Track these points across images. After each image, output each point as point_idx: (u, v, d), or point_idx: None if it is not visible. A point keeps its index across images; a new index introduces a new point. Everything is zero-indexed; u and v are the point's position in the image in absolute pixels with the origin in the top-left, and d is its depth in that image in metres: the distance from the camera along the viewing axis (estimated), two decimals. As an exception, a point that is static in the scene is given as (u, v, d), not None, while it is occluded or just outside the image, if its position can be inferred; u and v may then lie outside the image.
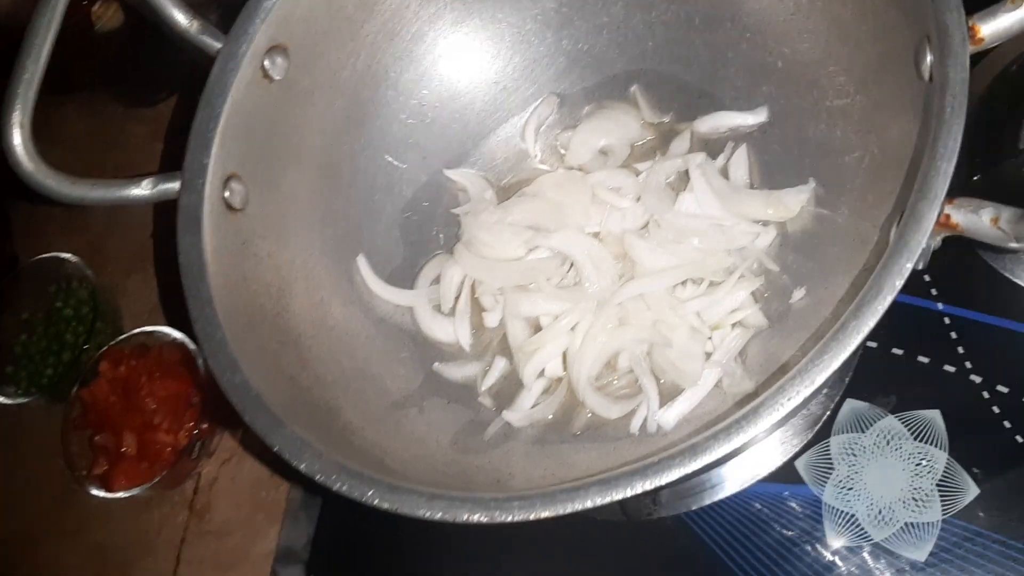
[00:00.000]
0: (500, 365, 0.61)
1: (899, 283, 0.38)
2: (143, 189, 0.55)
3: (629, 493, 0.40)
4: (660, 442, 0.53)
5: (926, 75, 0.43)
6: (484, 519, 0.42)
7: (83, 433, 0.80)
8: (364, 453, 0.52)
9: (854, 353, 0.55)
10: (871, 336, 0.59)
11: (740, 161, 0.60)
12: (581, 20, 0.67)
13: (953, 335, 0.61)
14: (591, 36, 0.67)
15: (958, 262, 0.61)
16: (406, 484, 0.44)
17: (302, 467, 0.46)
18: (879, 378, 0.61)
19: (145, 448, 0.78)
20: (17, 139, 0.50)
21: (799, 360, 0.40)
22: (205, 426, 0.79)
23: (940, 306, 0.61)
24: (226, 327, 0.51)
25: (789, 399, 0.39)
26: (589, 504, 0.41)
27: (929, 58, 0.43)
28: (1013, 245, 0.37)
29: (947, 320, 0.61)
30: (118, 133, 1.02)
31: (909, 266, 0.39)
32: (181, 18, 0.57)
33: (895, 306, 0.60)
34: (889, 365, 0.61)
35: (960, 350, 0.60)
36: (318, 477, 0.45)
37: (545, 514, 0.41)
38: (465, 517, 0.42)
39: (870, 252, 0.48)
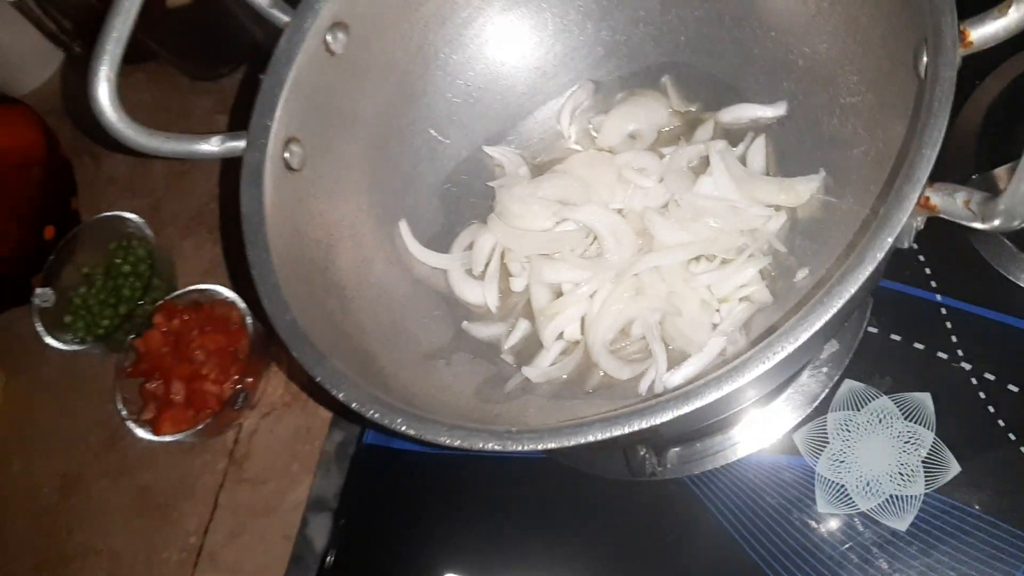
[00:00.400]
0: (523, 326, 0.66)
1: (880, 255, 0.43)
2: (211, 145, 0.60)
3: (627, 430, 0.44)
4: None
5: (922, 73, 0.48)
6: (497, 447, 0.46)
7: (135, 380, 0.84)
8: (395, 393, 0.56)
9: (856, 337, 0.61)
10: (872, 322, 0.64)
11: (758, 150, 0.64)
12: (620, 12, 0.71)
13: (948, 324, 0.64)
14: (628, 28, 0.71)
15: (958, 257, 0.65)
16: (431, 415, 0.49)
17: (340, 396, 0.50)
18: (877, 361, 0.65)
19: (192, 396, 0.82)
20: (104, 90, 0.55)
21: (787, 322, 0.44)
22: (249, 380, 0.83)
23: (938, 297, 0.65)
24: (279, 273, 0.55)
25: (775, 353, 0.43)
26: (590, 438, 0.45)
27: (925, 58, 0.47)
28: (978, 225, 0.41)
29: (944, 311, 0.65)
30: (182, 103, 1.06)
31: (890, 240, 0.43)
32: (253, -8, 0.62)
33: (898, 295, 0.65)
34: (887, 349, 0.65)
35: (953, 339, 0.64)
36: (354, 405, 0.50)
37: (551, 445, 0.45)
38: (480, 445, 0.46)
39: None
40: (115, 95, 0.57)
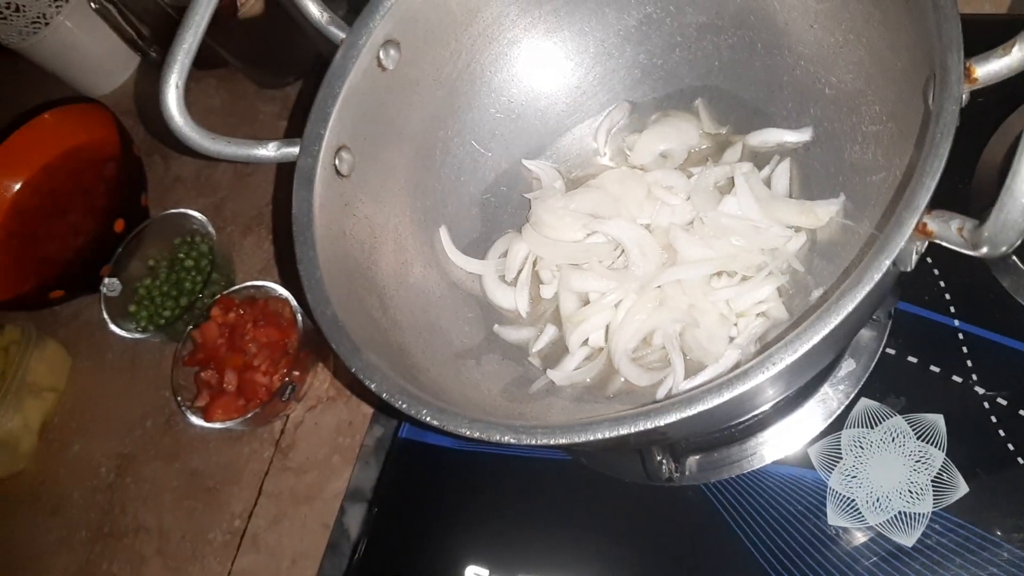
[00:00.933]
0: (550, 332, 0.69)
1: (877, 276, 0.45)
2: (269, 150, 0.65)
3: (632, 430, 0.47)
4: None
5: (930, 103, 0.50)
6: (512, 439, 0.49)
7: (190, 368, 0.89)
8: (426, 388, 0.59)
9: (873, 357, 0.63)
10: (890, 344, 0.66)
11: (783, 173, 0.67)
12: (658, 37, 0.74)
13: (964, 349, 0.66)
14: (665, 52, 0.74)
15: (977, 284, 0.67)
16: (453, 408, 0.53)
17: (372, 386, 0.54)
18: (893, 382, 0.67)
19: (243, 386, 0.86)
20: (173, 97, 0.60)
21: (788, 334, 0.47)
22: (297, 373, 0.86)
23: (956, 322, 0.67)
24: (324, 270, 0.59)
25: (774, 364, 0.46)
26: (599, 436, 0.48)
27: (932, 92, 0.49)
28: (969, 252, 0.43)
29: (960, 336, 0.66)
30: (248, 109, 1.11)
31: (887, 262, 0.45)
32: (314, 10, 0.66)
33: (916, 319, 0.67)
34: (903, 371, 0.67)
35: (969, 363, 0.65)
36: (384, 395, 0.53)
37: (562, 441, 0.48)
38: (497, 437, 0.49)
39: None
40: (183, 101, 0.61)
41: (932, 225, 0.45)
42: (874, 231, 0.57)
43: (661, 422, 0.47)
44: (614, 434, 0.48)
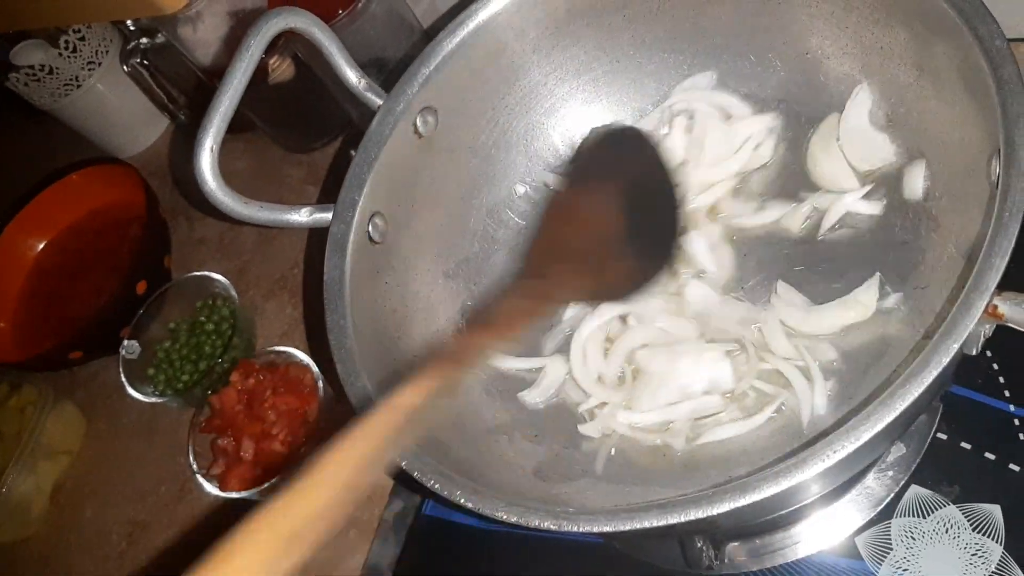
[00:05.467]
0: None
1: (945, 360, 0.43)
2: (301, 216, 0.63)
3: (683, 519, 0.45)
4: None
5: (994, 181, 0.48)
6: (552, 526, 0.47)
7: (208, 435, 0.86)
8: (456, 465, 0.57)
9: (924, 442, 0.60)
10: (941, 428, 0.63)
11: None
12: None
13: (1022, 436, 0.63)
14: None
15: (1034, 368, 0.64)
16: (488, 490, 0.50)
17: (403, 464, 0.52)
18: (945, 469, 0.64)
19: (260, 455, 0.83)
20: (207, 160, 0.59)
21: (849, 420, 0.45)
22: (316, 443, 0.83)
23: (1012, 408, 0.64)
24: (354, 340, 0.58)
25: (835, 452, 0.43)
26: (646, 524, 0.45)
27: (997, 168, 0.48)
28: (1044, 335, 0.41)
29: (1017, 421, 0.63)
30: (276, 173, 1.11)
31: (955, 346, 0.43)
32: (352, 76, 0.66)
33: (969, 403, 0.64)
34: (956, 458, 0.64)
35: (1027, 451, 0.63)
36: (416, 474, 0.51)
37: (607, 528, 0.46)
38: (536, 523, 0.47)
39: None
40: (216, 165, 0.60)
41: (1003, 307, 0.43)
42: (934, 319, 0.54)
43: (714, 511, 0.45)
44: (663, 523, 0.45)
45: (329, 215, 0.63)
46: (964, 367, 0.65)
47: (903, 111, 0.62)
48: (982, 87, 0.50)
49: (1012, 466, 0.62)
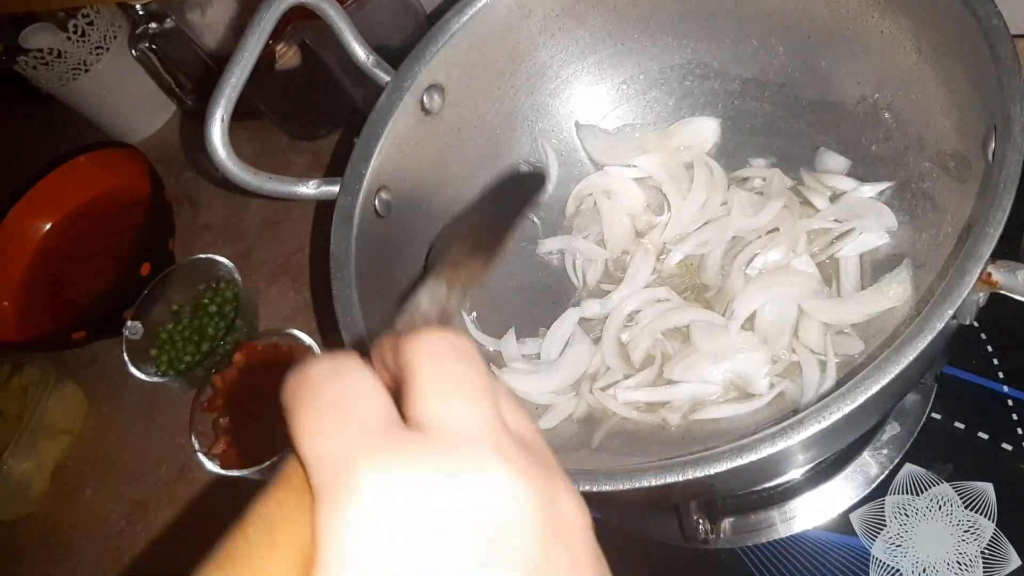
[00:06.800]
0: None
1: (939, 325, 0.44)
2: (308, 188, 0.64)
3: (681, 478, 0.45)
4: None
5: (990, 157, 0.49)
6: None
7: (209, 414, 0.86)
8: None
9: (918, 421, 0.61)
10: (935, 408, 0.64)
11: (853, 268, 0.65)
12: (700, 94, 0.74)
13: (1015, 416, 0.64)
14: (708, 107, 0.74)
15: (1028, 349, 0.65)
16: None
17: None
18: (939, 447, 0.65)
19: (262, 435, 0.83)
20: (218, 130, 0.60)
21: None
22: None
23: (1005, 388, 0.65)
24: (359, 307, 0.59)
25: (831, 413, 0.44)
26: (644, 483, 0.46)
27: (993, 143, 0.49)
28: (1038, 302, 0.42)
29: (1010, 402, 0.64)
30: (280, 159, 1.11)
31: (950, 311, 0.44)
32: (360, 52, 0.67)
33: (963, 383, 0.65)
34: (950, 437, 0.65)
35: (1020, 431, 0.63)
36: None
37: (606, 488, 0.47)
38: None
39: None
40: (227, 135, 0.61)
41: (997, 275, 0.44)
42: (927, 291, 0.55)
43: (711, 470, 0.45)
44: (661, 482, 0.46)
45: (336, 188, 0.63)
46: (959, 347, 0.67)
47: (901, 95, 0.62)
48: (980, 66, 0.51)
49: (1005, 445, 0.63)
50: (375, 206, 0.64)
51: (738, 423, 0.62)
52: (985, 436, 0.64)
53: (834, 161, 0.68)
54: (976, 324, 0.67)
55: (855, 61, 0.65)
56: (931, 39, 0.58)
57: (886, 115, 0.64)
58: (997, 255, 0.45)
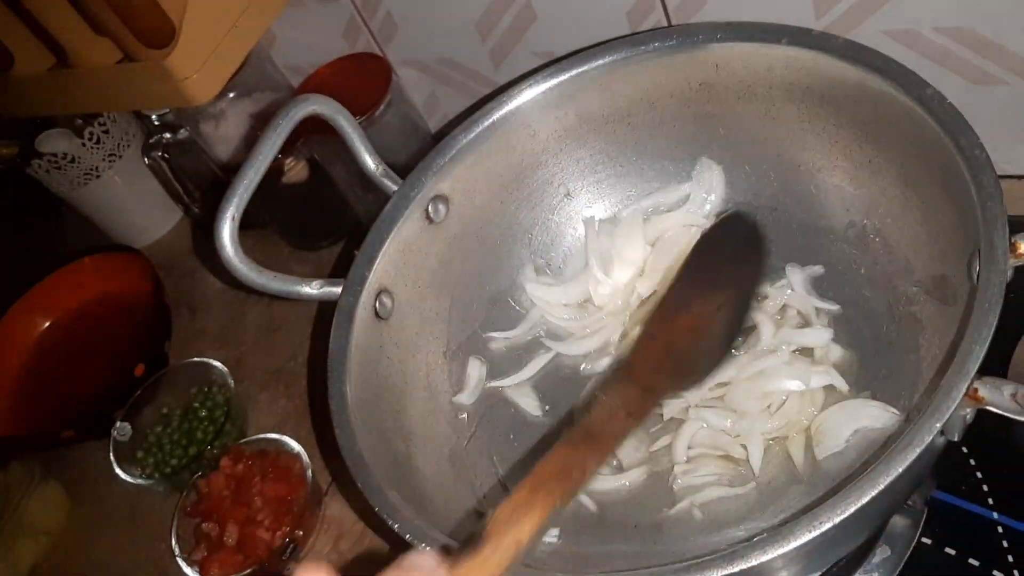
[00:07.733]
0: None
1: (927, 438, 0.44)
2: (312, 288, 0.66)
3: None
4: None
5: (974, 279, 0.51)
6: None
7: (193, 519, 0.85)
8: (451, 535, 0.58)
9: (909, 546, 0.61)
10: (926, 533, 0.64)
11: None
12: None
13: (1004, 543, 0.63)
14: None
15: (1018, 477, 0.66)
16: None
17: (396, 527, 0.52)
18: (930, 573, 0.64)
19: (243, 542, 0.82)
20: (227, 228, 0.62)
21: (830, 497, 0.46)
22: (300, 533, 0.83)
23: (995, 515, 0.65)
24: (354, 408, 0.59)
25: (821, 523, 0.44)
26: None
27: (977, 267, 0.51)
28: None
29: (1000, 529, 0.64)
30: (282, 268, 1.06)
31: (938, 426, 0.45)
32: (371, 162, 0.70)
33: (953, 509, 0.65)
34: (940, 562, 0.64)
35: (1010, 558, 0.63)
36: (408, 536, 0.52)
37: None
38: None
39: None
40: (236, 234, 0.63)
41: (983, 391, 0.45)
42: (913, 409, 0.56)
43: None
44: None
45: (338, 289, 0.65)
46: (948, 471, 0.67)
47: (889, 221, 0.65)
48: (963, 194, 0.53)
49: (996, 572, 0.63)
50: (376, 308, 0.65)
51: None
52: (975, 563, 0.63)
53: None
54: (965, 450, 0.68)
55: (844, 189, 0.67)
56: (916, 169, 0.61)
57: (875, 240, 0.66)
58: (983, 372, 0.46)
